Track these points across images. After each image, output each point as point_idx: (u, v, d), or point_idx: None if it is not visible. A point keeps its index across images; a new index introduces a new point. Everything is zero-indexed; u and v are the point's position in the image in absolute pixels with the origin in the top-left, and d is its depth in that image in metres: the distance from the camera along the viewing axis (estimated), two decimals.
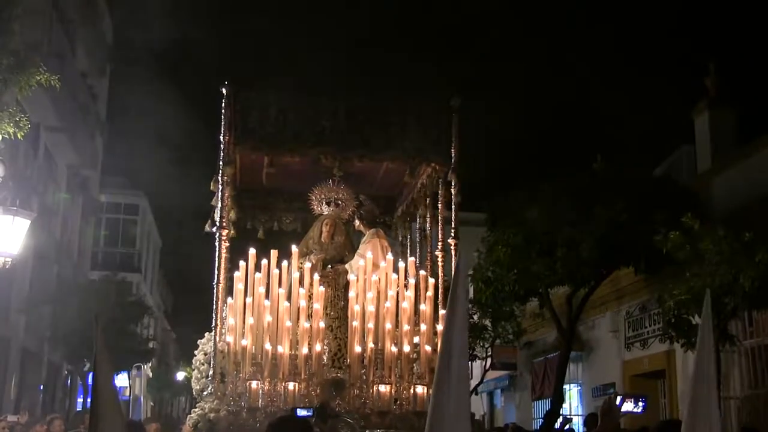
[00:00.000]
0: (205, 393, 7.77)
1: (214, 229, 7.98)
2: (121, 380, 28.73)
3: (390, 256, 8.43)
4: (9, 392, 17.69)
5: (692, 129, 14.75)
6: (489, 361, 19.47)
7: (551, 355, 17.38)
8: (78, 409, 19.50)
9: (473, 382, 20.57)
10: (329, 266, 8.71)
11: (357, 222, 9.08)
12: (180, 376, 40.31)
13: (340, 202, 8.98)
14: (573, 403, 18.65)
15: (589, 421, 10.72)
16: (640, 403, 15.08)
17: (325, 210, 8.99)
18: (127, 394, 29.71)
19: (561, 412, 14.93)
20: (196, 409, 7.67)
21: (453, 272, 3.56)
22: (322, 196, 8.97)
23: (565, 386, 15.75)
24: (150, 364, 31.23)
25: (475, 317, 17.92)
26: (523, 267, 13.02)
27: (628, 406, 14.62)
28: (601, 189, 12.87)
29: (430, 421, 3.29)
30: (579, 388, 18.51)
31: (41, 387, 20.68)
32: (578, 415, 17.88)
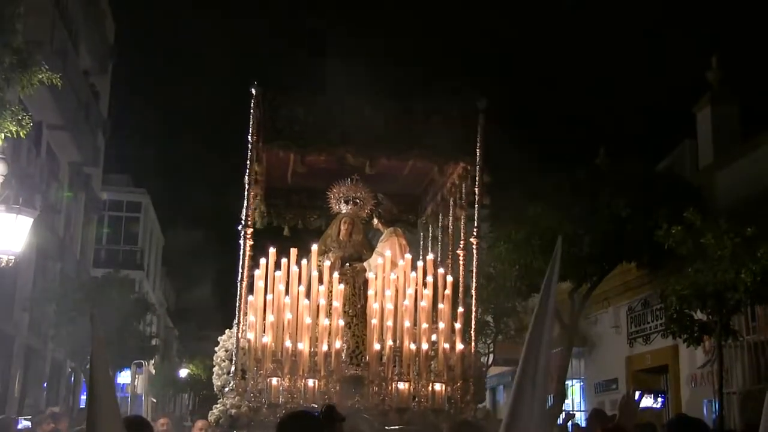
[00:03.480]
0: (226, 389, 7.81)
1: (239, 227, 7.99)
2: (124, 377, 28.81)
3: (408, 255, 8.45)
4: (13, 389, 17.75)
5: (695, 124, 14.75)
6: (491, 357, 19.47)
7: (553, 350, 17.39)
8: (81, 406, 19.55)
9: None
10: (347, 264, 8.74)
11: (375, 220, 9.11)
12: (183, 373, 40.36)
13: (358, 201, 9.02)
14: (575, 398, 18.67)
15: (593, 416, 10.71)
16: (660, 399, 15.22)
17: (344, 208, 9.02)
18: (129, 391, 29.77)
19: (564, 408, 14.95)
20: (218, 405, 7.72)
21: (543, 285, 3.57)
22: (341, 195, 9.01)
23: (567, 382, 15.77)
24: (153, 361, 31.28)
25: (477, 313, 17.91)
26: (524, 263, 13.03)
27: (647, 402, 14.73)
28: (603, 184, 12.87)
29: (508, 422, 3.32)
30: (581, 383, 18.52)
31: (45, 384, 20.74)
32: (581, 411, 17.89)
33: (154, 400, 37.92)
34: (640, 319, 15.50)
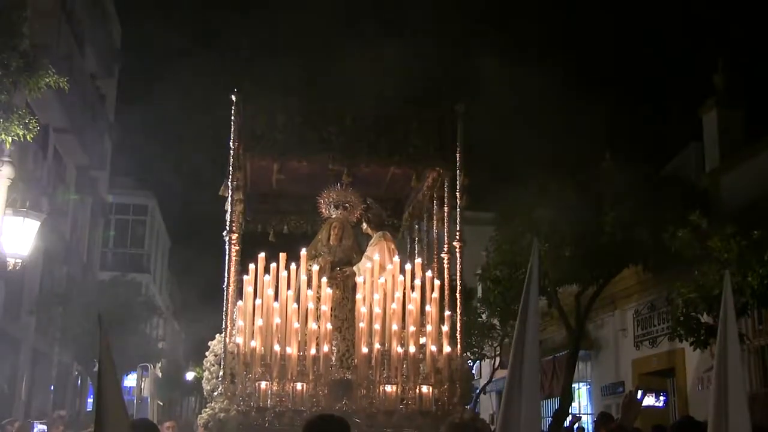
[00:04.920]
0: (215, 393, 7.86)
1: (224, 234, 8.05)
2: (131, 381, 28.84)
3: (396, 259, 8.48)
4: (20, 392, 17.80)
5: (700, 127, 14.73)
6: (498, 360, 19.47)
7: (560, 353, 17.37)
8: (88, 410, 19.60)
9: (482, 381, 20.57)
10: (337, 268, 8.78)
11: (364, 225, 9.16)
12: (189, 376, 40.39)
13: (348, 206, 9.08)
14: (582, 401, 18.65)
15: (599, 420, 10.71)
16: (662, 398, 15.23)
17: (334, 213, 9.09)
18: (136, 394, 29.79)
19: (570, 411, 14.93)
20: (207, 409, 7.75)
21: (524, 287, 3.62)
22: (331, 200, 9.06)
23: (573, 385, 15.76)
24: (159, 365, 31.31)
25: (484, 316, 17.92)
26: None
27: (649, 401, 14.76)
28: (609, 187, 12.87)
29: (501, 425, 3.35)
30: (588, 386, 18.50)
31: (52, 387, 20.80)
32: (587, 414, 17.86)
33: (161, 403, 37.95)
34: (647, 322, 15.47)
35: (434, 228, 9.14)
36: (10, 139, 8.94)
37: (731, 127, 14.08)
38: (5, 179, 9.06)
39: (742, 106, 14.36)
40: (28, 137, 9.11)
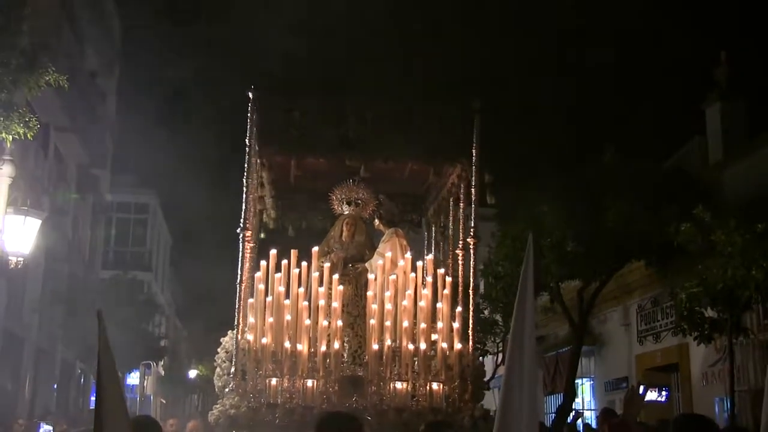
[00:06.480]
0: (226, 390, 7.87)
1: (238, 230, 8.04)
2: (133, 379, 28.87)
3: (408, 255, 8.47)
4: (23, 391, 17.81)
5: (703, 120, 14.68)
6: (500, 356, 19.43)
7: (563, 349, 17.34)
8: (92, 407, 19.60)
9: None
10: (349, 265, 8.78)
11: (377, 221, 9.16)
12: (192, 373, 40.41)
13: (360, 202, 9.08)
14: (585, 397, 18.62)
15: (603, 415, 10.69)
16: (664, 393, 15.20)
17: (346, 210, 9.09)
18: (138, 392, 29.83)
19: (573, 407, 14.91)
20: (218, 405, 7.77)
21: (520, 281, 3.62)
22: (343, 196, 9.07)
23: (577, 380, 15.73)
24: (162, 363, 31.33)
25: (486, 312, 17.88)
26: None
27: (651, 396, 14.71)
28: (611, 182, 12.82)
29: (500, 423, 3.33)
30: (591, 382, 18.47)
31: (55, 386, 20.81)
32: (591, 410, 17.84)
33: (164, 401, 37.98)
34: (650, 317, 15.44)
35: (450, 224, 9.15)
36: (10, 137, 8.94)
37: (734, 120, 14.02)
38: (6, 178, 9.06)
39: (745, 99, 14.30)
40: (28, 136, 9.10)
